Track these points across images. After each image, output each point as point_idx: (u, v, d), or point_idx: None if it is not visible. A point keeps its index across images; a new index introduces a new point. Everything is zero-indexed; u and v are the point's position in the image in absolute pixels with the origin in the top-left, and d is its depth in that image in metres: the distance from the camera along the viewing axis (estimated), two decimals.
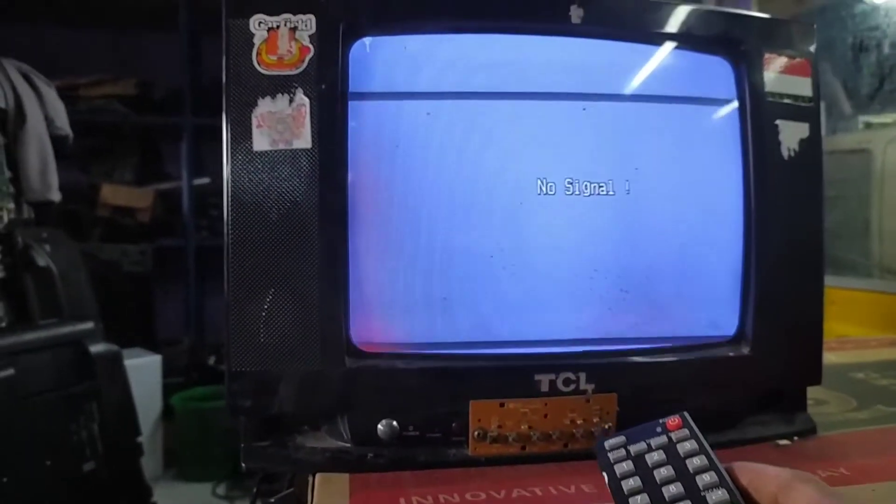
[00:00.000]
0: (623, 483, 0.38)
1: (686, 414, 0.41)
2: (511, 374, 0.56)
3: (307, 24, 0.54)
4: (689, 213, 0.60)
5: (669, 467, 0.38)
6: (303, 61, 0.53)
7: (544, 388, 0.55)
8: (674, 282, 0.59)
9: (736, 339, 0.61)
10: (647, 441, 0.40)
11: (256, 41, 0.53)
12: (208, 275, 2.86)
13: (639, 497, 0.37)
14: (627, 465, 0.39)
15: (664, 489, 0.37)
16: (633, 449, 0.40)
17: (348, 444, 0.55)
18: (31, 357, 1.44)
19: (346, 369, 0.54)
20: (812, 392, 0.65)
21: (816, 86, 0.62)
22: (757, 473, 0.37)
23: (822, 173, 0.63)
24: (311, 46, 0.54)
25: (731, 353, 0.60)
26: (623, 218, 0.57)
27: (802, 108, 0.62)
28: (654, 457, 0.39)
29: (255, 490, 0.78)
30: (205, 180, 2.87)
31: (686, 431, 0.40)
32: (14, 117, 1.66)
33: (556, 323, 0.57)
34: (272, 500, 0.56)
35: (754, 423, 0.62)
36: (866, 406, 0.71)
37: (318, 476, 0.52)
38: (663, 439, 0.40)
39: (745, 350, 0.60)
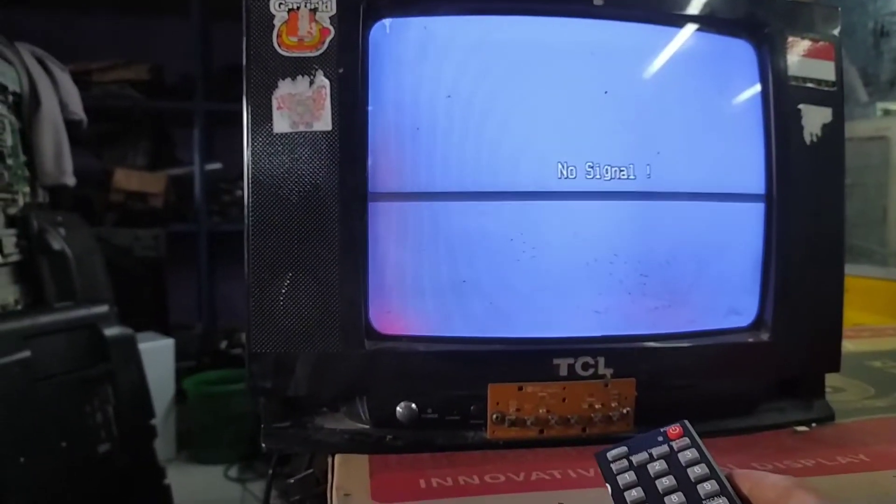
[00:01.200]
0: (626, 494, 0.38)
1: (686, 422, 0.41)
2: (530, 358, 0.56)
3: (327, 5, 0.53)
4: (710, 198, 0.59)
5: (671, 477, 0.38)
6: (323, 43, 0.53)
7: (563, 372, 0.55)
8: (694, 267, 0.59)
9: (755, 326, 0.60)
10: (649, 451, 0.40)
11: (277, 22, 0.53)
12: (220, 260, 2.88)
13: None
14: (630, 476, 0.39)
15: (667, 499, 0.37)
16: (635, 459, 0.40)
17: (367, 426, 0.56)
18: (46, 340, 1.45)
19: (365, 352, 0.54)
20: (829, 379, 0.65)
21: (840, 70, 0.62)
22: (757, 481, 0.37)
23: (844, 159, 0.62)
24: (331, 28, 0.53)
25: (750, 340, 0.60)
26: (643, 203, 0.57)
27: (825, 93, 0.61)
28: (656, 467, 0.39)
29: (270, 472, 0.79)
30: (217, 166, 2.88)
31: (687, 440, 0.40)
32: (29, 101, 1.66)
33: (575, 307, 0.57)
34: (291, 481, 0.56)
35: (772, 409, 0.62)
36: (884, 394, 0.70)
37: (337, 457, 0.53)
38: (665, 449, 0.40)
39: (765, 336, 0.60)
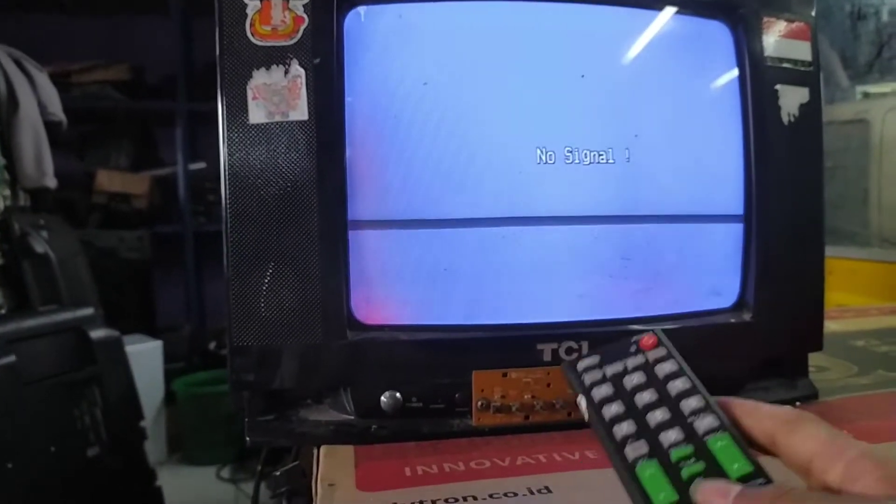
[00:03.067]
0: (604, 409, 0.34)
1: (660, 331, 0.37)
2: (513, 344, 0.56)
3: None
4: (689, 180, 0.59)
5: (652, 391, 0.34)
6: (297, 31, 0.53)
7: (547, 357, 0.55)
8: (675, 249, 0.59)
9: (738, 307, 0.61)
10: (624, 361, 0.36)
11: (250, 12, 0.53)
12: (207, 260, 2.86)
13: (624, 424, 0.33)
14: (607, 389, 0.35)
15: (648, 416, 0.33)
16: (608, 370, 0.36)
17: (352, 417, 0.55)
18: (31, 344, 1.44)
19: (347, 342, 0.54)
20: (813, 359, 0.65)
21: (816, 50, 0.62)
22: (750, 410, 0.33)
23: (822, 138, 0.62)
24: (305, 16, 0.53)
25: (732, 320, 0.60)
26: (624, 185, 0.57)
27: (802, 73, 0.61)
28: (634, 379, 0.35)
29: (258, 468, 0.78)
30: (201, 165, 2.86)
31: (663, 350, 0.36)
32: (7, 104, 1.65)
33: (558, 292, 0.57)
34: (277, 473, 0.56)
35: (757, 388, 0.62)
36: (867, 372, 0.71)
37: (322, 448, 0.53)
38: (640, 359, 0.36)
39: (747, 317, 0.60)
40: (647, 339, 0.37)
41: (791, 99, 0.60)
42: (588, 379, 0.36)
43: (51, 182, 1.73)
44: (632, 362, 0.36)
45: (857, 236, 1.28)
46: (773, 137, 0.60)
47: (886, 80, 1.26)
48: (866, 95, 1.31)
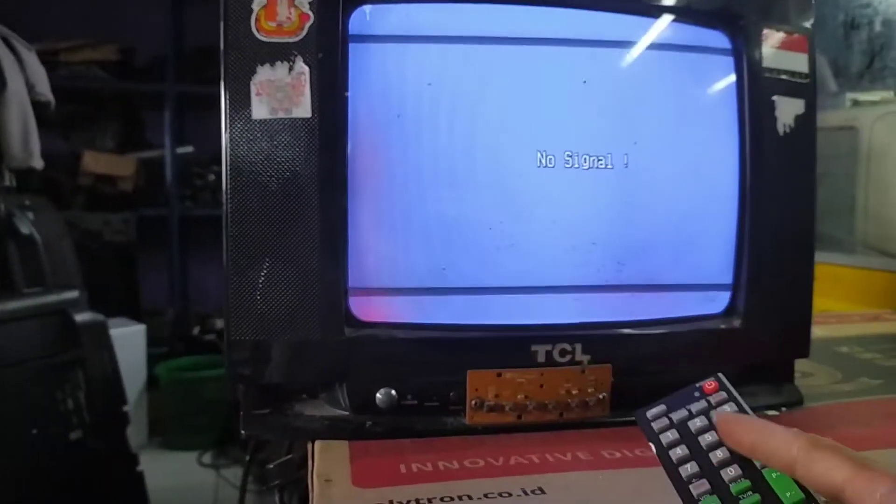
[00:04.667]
0: (671, 452, 0.38)
1: (721, 375, 0.40)
2: (508, 344, 0.57)
3: None
4: (685, 187, 0.60)
5: (714, 433, 0.37)
6: (302, 28, 0.53)
7: (541, 358, 0.56)
8: (669, 255, 0.60)
9: (728, 313, 0.62)
10: (688, 407, 0.39)
11: (255, 7, 0.53)
12: (192, 244, 2.84)
13: (688, 465, 0.37)
14: (673, 434, 0.38)
15: (711, 455, 0.36)
16: (674, 417, 0.39)
17: (347, 413, 0.56)
18: (15, 325, 1.43)
19: (345, 338, 0.54)
20: (798, 365, 0.66)
21: (813, 62, 0.63)
22: (762, 433, 0.34)
23: (816, 149, 0.63)
24: (310, 13, 0.53)
25: (722, 326, 0.61)
26: (621, 191, 0.58)
27: (799, 85, 0.62)
28: (697, 423, 0.38)
29: (247, 458, 0.79)
30: (188, 149, 2.84)
31: (724, 394, 0.39)
32: None
33: (553, 294, 0.58)
34: (271, 466, 0.56)
35: (743, 393, 0.61)
36: (851, 378, 0.72)
37: (317, 443, 0.53)
38: (703, 404, 0.39)
39: (737, 323, 0.61)
40: (710, 385, 0.40)
41: (787, 110, 0.61)
42: (657, 426, 0.39)
43: (37, 163, 1.71)
44: (696, 407, 0.39)
45: (842, 243, 1.30)
46: (769, 147, 0.61)
47: (876, 89, 1.28)
48: (856, 103, 1.33)
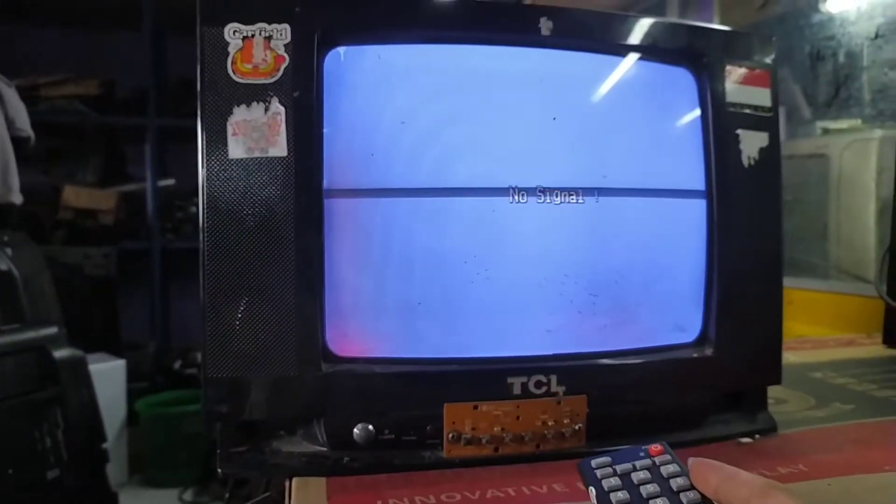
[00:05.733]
0: (612, 496, 0.40)
1: (666, 443, 0.43)
2: (484, 377, 0.57)
3: (282, 33, 0.54)
4: (655, 219, 0.61)
5: (655, 484, 0.40)
6: (278, 70, 0.54)
7: (517, 390, 0.57)
8: (641, 286, 0.61)
9: (699, 342, 0.63)
10: (633, 462, 0.42)
11: (231, 50, 0.54)
12: (174, 278, 2.83)
13: None
14: (615, 481, 0.41)
15: (651, 502, 0.39)
16: (618, 468, 0.42)
17: (324, 448, 0.56)
18: None
19: (321, 374, 0.54)
20: (772, 391, 0.67)
21: (775, 96, 0.65)
22: (729, 476, 0.38)
23: (781, 180, 0.65)
24: (286, 56, 0.54)
25: (695, 355, 0.62)
26: (592, 224, 0.59)
27: (762, 118, 0.64)
28: (640, 475, 0.41)
29: (227, 496, 0.78)
30: (169, 182, 2.84)
31: (668, 457, 0.42)
32: None
33: (528, 327, 0.59)
34: None
35: (717, 421, 0.64)
36: (824, 404, 0.74)
37: (295, 480, 0.53)
38: (647, 462, 0.42)
39: (709, 352, 0.62)
40: (655, 448, 0.43)
41: (751, 143, 0.63)
42: (600, 473, 0.42)
43: (16, 198, 1.71)
44: (640, 463, 0.42)
45: (816, 268, 1.32)
46: (735, 178, 0.62)
47: (844, 118, 1.31)
48: (826, 131, 1.37)
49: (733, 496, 0.37)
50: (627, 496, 0.40)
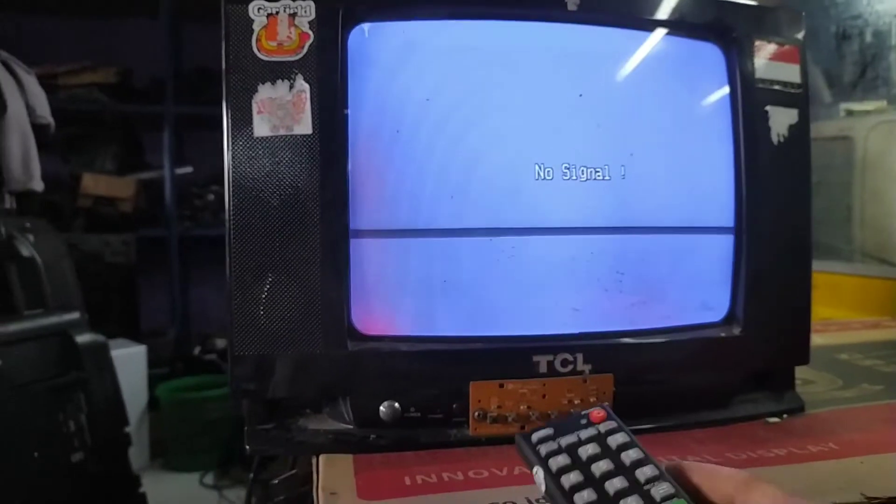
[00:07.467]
0: (563, 479, 0.36)
1: (607, 405, 0.40)
2: (510, 355, 0.57)
3: (306, 10, 0.54)
4: (682, 197, 0.61)
5: (608, 461, 0.36)
6: (302, 47, 0.54)
7: (542, 369, 0.56)
8: (667, 264, 0.61)
9: (727, 321, 0.62)
10: (577, 433, 0.38)
11: (256, 27, 0.54)
12: (192, 265, 2.85)
13: (584, 493, 0.35)
14: (564, 459, 0.37)
15: (607, 484, 0.35)
16: (563, 441, 0.38)
17: (350, 426, 0.56)
18: (17, 348, 1.43)
19: (347, 352, 0.54)
20: (799, 372, 0.67)
21: (805, 72, 0.64)
22: (709, 473, 0.36)
23: (810, 158, 0.64)
24: (310, 33, 0.54)
25: (722, 334, 0.62)
26: (619, 202, 0.59)
27: (791, 95, 0.63)
28: (589, 450, 0.37)
29: (251, 476, 0.79)
30: (187, 169, 2.85)
31: (613, 423, 0.38)
32: None
33: (554, 305, 0.58)
34: (275, 482, 0.56)
35: (745, 401, 0.63)
36: (852, 385, 0.73)
37: (322, 457, 0.53)
38: (592, 431, 0.38)
39: (736, 331, 0.62)
40: (597, 413, 0.39)
41: (780, 120, 0.62)
42: (544, 450, 0.37)
43: (38, 185, 1.72)
44: (584, 434, 0.38)
45: (840, 251, 1.31)
46: (763, 157, 0.61)
47: (870, 99, 1.29)
48: (850, 113, 1.34)
49: (717, 492, 0.35)
50: (581, 478, 0.35)
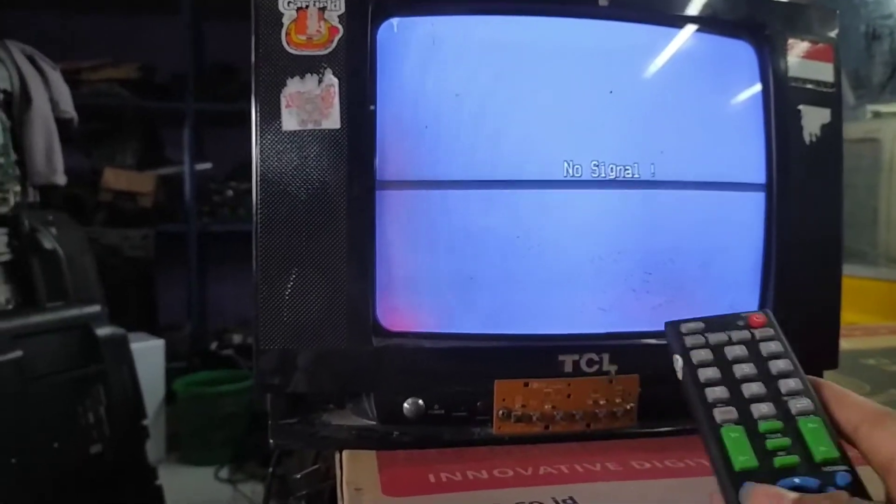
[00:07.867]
0: (700, 372, 0.35)
1: (770, 311, 0.39)
2: (535, 354, 0.57)
3: (336, 4, 0.54)
4: (712, 196, 0.60)
5: (752, 365, 0.35)
6: (332, 41, 0.54)
7: (568, 368, 0.56)
8: (696, 264, 0.60)
9: None
10: (728, 333, 0.37)
11: (285, 21, 0.53)
12: (210, 260, 2.87)
13: (717, 389, 0.34)
14: (706, 354, 0.36)
15: (744, 386, 0.34)
16: (711, 338, 0.37)
17: (374, 422, 0.56)
18: (38, 339, 1.44)
19: (372, 348, 0.54)
20: (827, 377, 0.65)
21: (838, 71, 0.63)
22: (839, 396, 0.34)
23: (842, 158, 0.63)
24: (339, 27, 0.54)
25: None
26: (648, 200, 0.58)
27: (825, 94, 0.62)
28: (735, 351, 0.36)
29: (270, 470, 0.79)
30: (207, 166, 2.87)
31: (770, 331, 0.37)
32: (20, 100, 1.65)
33: (581, 304, 0.58)
34: (298, 476, 0.56)
35: None
36: (880, 390, 0.72)
37: (345, 453, 0.53)
38: (745, 334, 0.37)
39: None
40: (757, 318, 0.38)
41: (813, 119, 0.61)
42: (689, 341, 0.37)
43: (60, 179, 1.73)
44: (737, 335, 0.37)
45: (866, 255, 1.29)
46: (795, 156, 0.61)
47: None
48: (877, 115, 1.32)
49: (842, 418, 0.33)
50: (718, 374, 0.35)
